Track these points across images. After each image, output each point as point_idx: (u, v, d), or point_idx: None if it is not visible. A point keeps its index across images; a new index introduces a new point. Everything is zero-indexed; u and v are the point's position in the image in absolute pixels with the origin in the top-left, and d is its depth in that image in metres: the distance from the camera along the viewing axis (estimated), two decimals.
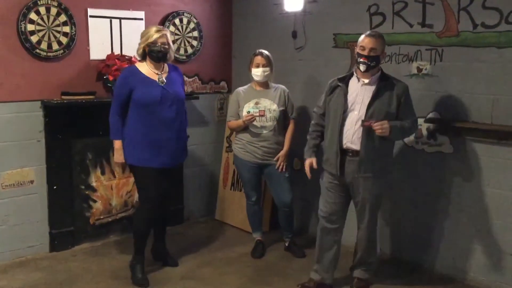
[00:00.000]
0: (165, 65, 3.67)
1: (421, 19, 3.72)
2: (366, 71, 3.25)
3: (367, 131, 3.22)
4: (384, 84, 3.27)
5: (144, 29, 4.27)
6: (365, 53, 3.22)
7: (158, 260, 3.95)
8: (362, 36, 3.28)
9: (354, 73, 3.36)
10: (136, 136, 3.56)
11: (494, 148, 3.47)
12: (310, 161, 3.51)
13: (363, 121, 3.21)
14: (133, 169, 3.71)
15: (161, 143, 3.57)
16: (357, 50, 3.28)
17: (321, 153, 3.52)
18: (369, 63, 3.22)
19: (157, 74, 3.59)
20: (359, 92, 3.29)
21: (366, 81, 3.29)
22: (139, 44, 3.59)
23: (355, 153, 3.27)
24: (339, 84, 3.36)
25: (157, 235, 3.95)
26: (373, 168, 3.28)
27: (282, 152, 4.01)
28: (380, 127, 3.16)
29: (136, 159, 3.60)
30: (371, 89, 3.26)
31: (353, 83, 3.34)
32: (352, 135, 3.27)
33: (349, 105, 3.29)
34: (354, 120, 3.27)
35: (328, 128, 3.41)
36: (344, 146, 3.30)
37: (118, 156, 3.65)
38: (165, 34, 3.56)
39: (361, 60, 3.23)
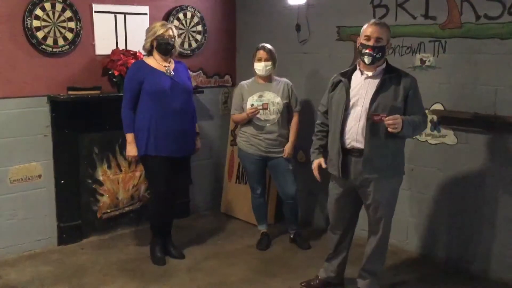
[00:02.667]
0: (171, 59, 3.80)
1: (424, 11, 3.73)
2: (371, 63, 2.98)
3: (371, 127, 2.96)
4: (389, 77, 3.00)
5: (148, 24, 4.31)
6: (371, 43, 2.94)
7: (164, 253, 3.98)
8: (366, 25, 3.02)
9: (357, 66, 3.12)
10: (148, 126, 3.65)
11: (497, 139, 3.49)
12: (317, 162, 3.25)
13: (372, 114, 2.92)
14: (144, 159, 3.78)
15: (172, 132, 3.69)
16: (361, 40, 3.01)
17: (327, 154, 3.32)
18: (374, 54, 2.95)
19: (165, 66, 3.72)
20: (362, 85, 3.04)
21: (370, 73, 3.04)
22: (146, 39, 3.73)
23: (361, 152, 3.02)
24: (341, 79, 3.12)
25: (164, 228, 3.99)
26: (380, 167, 3.01)
27: (289, 144, 4.04)
28: (393, 121, 2.84)
29: (148, 148, 3.68)
30: (375, 82, 3.00)
31: (356, 77, 3.10)
32: (356, 133, 3.02)
33: (352, 100, 3.04)
34: (358, 116, 3.01)
35: (331, 126, 3.19)
36: (349, 146, 3.06)
37: (130, 149, 3.73)
38: (171, 28, 3.72)
39: (366, 51, 2.96)
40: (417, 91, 3.07)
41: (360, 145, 3.03)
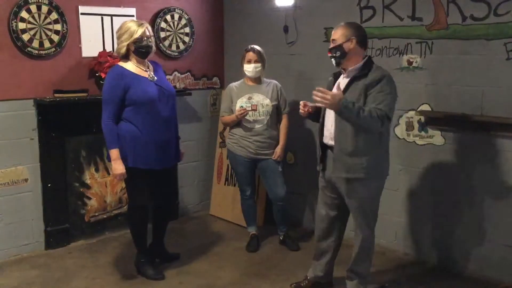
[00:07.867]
0: (147, 61, 3.55)
1: (411, 12, 3.75)
2: (337, 64, 3.06)
3: (339, 125, 3.00)
4: (359, 75, 3.00)
5: None
6: (330, 46, 3.06)
7: (155, 257, 3.93)
8: None
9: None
10: (139, 138, 3.40)
11: (484, 139, 3.51)
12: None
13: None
14: (131, 172, 3.45)
15: (164, 142, 3.50)
16: None
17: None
18: (333, 54, 3.03)
19: (146, 71, 3.49)
20: (340, 85, 3.12)
21: (345, 73, 3.12)
22: (121, 42, 3.40)
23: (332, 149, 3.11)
24: (330, 79, 3.28)
25: (157, 234, 3.92)
26: (347, 167, 3.02)
27: (279, 147, 4.04)
28: (318, 95, 2.82)
29: (138, 161, 3.42)
30: (346, 81, 3.08)
31: (341, 78, 3.18)
32: (330, 131, 3.11)
33: None
34: (333, 115, 3.05)
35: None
36: (326, 142, 3.16)
37: (117, 166, 3.38)
38: (147, 27, 3.44)
39: (328, 55, 3.08)
40: (383, 86, 2.92)
41: (333, 142, 3.11)
